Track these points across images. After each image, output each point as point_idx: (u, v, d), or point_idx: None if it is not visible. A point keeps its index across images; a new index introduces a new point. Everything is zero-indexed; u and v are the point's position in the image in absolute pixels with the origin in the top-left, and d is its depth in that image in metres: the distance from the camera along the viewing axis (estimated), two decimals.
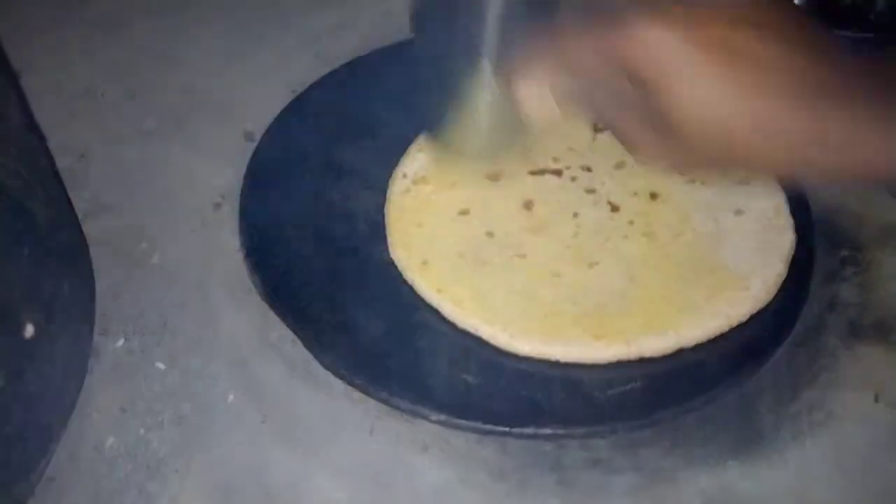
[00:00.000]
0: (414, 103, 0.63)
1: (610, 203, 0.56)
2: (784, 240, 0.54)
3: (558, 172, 0.58)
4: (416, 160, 0.60)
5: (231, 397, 0.49)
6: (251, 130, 0.64)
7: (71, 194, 0.56)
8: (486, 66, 0.45)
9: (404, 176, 0.59)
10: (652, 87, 0.35)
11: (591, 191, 0.57)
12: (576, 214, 0.56)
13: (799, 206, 0.56)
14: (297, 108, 0.65)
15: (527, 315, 0.50)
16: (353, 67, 0.68)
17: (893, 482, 0.45)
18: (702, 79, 0.34)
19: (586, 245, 0.54)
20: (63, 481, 0.45)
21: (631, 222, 0.55)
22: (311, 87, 0.66)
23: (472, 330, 0.51)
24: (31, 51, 0.69)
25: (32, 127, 0.47)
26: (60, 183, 0.51)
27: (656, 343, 0.49)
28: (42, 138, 0.50)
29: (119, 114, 0.66)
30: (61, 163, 0.60)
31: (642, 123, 0.37)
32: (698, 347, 0.50)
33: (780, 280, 0.52)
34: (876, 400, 0.49)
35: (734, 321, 0.50)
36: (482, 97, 0.46)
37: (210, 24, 0.74)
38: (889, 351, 0.51)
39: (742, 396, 0.49)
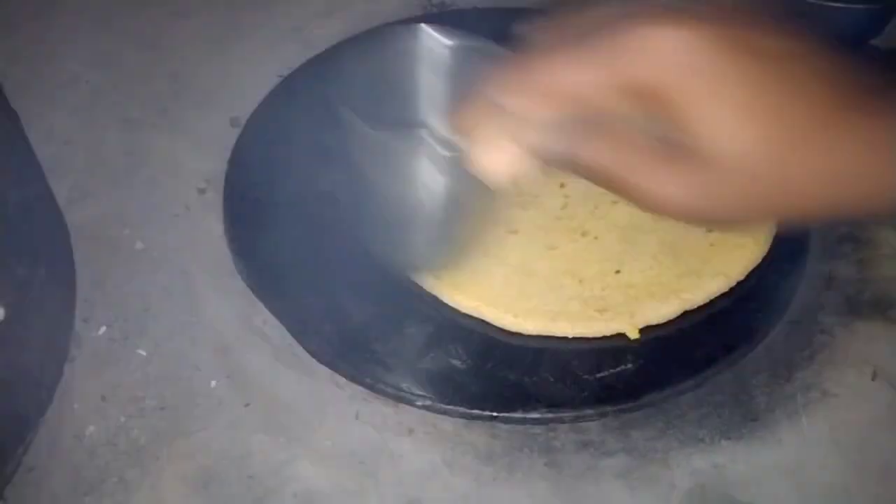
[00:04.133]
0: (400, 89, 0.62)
1: None
2: None
3: None
4: None
5: (214, 383, 0.48)
6: (237, 116, 0.63)
7: (54, 182, 0.56)
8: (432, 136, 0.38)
9: None
10: (669, 105, 0.27)
11: None
12: (562, 185, 0.55)
13: None
14: (284, 93, 0.64)
15: (527, 293, 0.49)
16: (340, 51, 0.67)
17: (891, 461, 0.44)
18: (735, 89, 0.27)
19: (577, 214, 0.53)
20: (42, 470, 0.44)
21: None
22: (297, 71, 0.65)
23: (473, 313, 0.49)
24: (14, 41, 0.69)
25: (2, 104, 0.46)
26: (38, 166, 0.50)
27: (660, 310, 0.48)
28: (14, 116, 0.49)
29: (103, 102, 0.65)
30: (45, 151, 0.59)
31: (654, 158, 0.29)
32: (694, 324, 0.49)
33: (771, 234, 0.51)
34: (873, 377, 0.48)
35: (733, 280, 0.50)
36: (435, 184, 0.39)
37: (195, 13, 0.73)
38: (888, 327, 0.50)
39: (736, 376, 0.48)
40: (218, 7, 0.73)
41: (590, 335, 0.48)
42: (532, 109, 0.30)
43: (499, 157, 0.32)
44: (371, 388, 0.47)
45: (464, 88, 0.33)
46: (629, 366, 0.47)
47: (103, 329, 0.51)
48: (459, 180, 0.37)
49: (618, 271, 0.50)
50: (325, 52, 0.66)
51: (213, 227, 0.56)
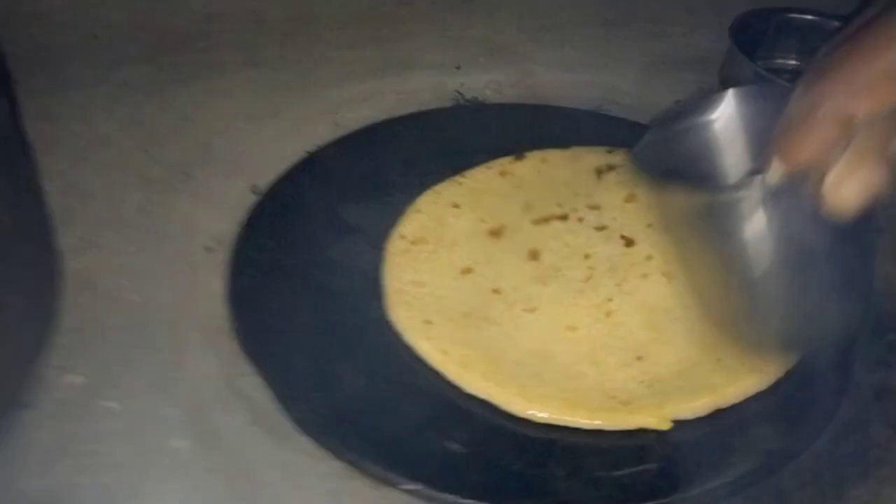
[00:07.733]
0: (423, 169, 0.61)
1: (624, 237, 0.52)
2: None
3: (563, 217, 0.54)
4: (415, 221, 0.57)
5: (181, 443, 0.43)
6: (258, 184, 0.62)
7: (63, 230, 0.54)
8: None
9: (402, 237, 0.55)
10: None
11: (601, 227, 0.53)
12: (587, 256, 0.51)
13: None
14: (308, 167, 0.63)
15: (542, 377, 0.45)
16: (368, 133, 0.67)
17: None
18: None
19: (601, 287, 0.49)
20: None
21: (649, 257, 0.50)
22: (324, 147, 0.65)
23: (480, 394, 0.45)
24: (55, 104, 0.70)
25: (16, 132, 0.45)
26: (38, 195, 0.49)
27: (690, 406, 0.43)
28: (28, 149, 0.48)
29: (128, 162, 0.65)
30: (61, 201, 0.58)
31: None
32: (727, 424, 0.43)
33: None
34: None
35: (771, 377, 0.44)
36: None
37: (235, 92, 0.74)
38: None
39: (777, 489, 0.41)
40: (258, 89, 0.75)
41: (611, 428, 0.43)
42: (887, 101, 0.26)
43: (861, 178, 0.28)
44: (354, 465, 0.42)
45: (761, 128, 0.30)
46: (651, 465, 0.41)
47: (78, 378, 0.47)
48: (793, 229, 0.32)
49: (640, 357, 0.45)
50: (355, 131, 0.67)
51: (214, 285, 0.53)
